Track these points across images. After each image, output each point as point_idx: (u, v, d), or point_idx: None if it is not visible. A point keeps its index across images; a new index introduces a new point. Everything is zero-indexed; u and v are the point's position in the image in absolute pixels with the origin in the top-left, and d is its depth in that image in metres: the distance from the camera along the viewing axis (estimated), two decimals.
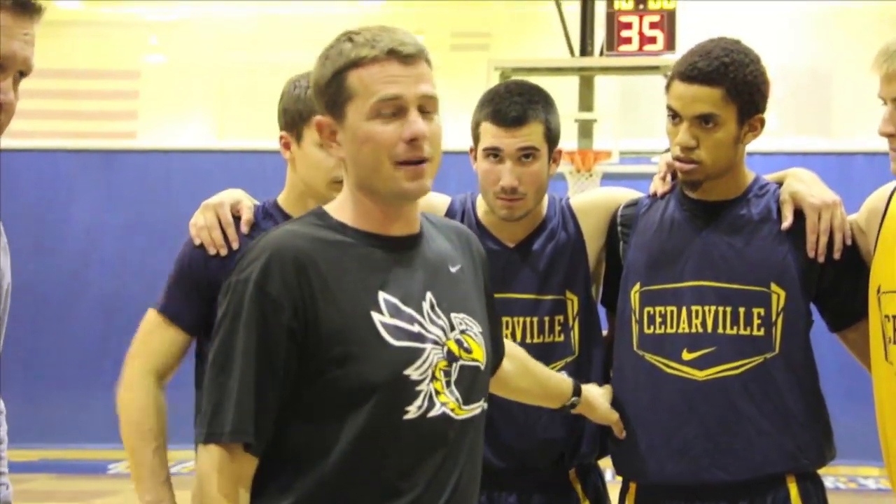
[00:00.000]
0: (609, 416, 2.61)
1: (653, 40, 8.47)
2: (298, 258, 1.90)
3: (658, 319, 2.59)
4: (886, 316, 2.43)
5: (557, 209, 2.79)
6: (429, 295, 1.97)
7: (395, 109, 1.92)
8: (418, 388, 1.90)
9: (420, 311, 1.95)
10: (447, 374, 1.94)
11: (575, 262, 2.74)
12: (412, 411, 1.90)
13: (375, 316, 1.91)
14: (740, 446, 2.52)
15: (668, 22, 8.44)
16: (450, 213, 2.76)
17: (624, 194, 2.81)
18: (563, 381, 2.59)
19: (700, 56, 2.51)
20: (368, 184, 1.96)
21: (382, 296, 1.92)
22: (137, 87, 14.40)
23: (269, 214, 2.60)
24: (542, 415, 2.66)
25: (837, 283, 2.59)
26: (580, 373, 2.70)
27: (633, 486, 2.65)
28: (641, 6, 8.45)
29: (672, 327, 2.57)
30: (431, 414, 1.91)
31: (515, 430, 2.67)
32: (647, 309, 2.61)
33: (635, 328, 2.62)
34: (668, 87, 2.56)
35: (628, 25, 8.48)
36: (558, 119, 2.74)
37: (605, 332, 2.81)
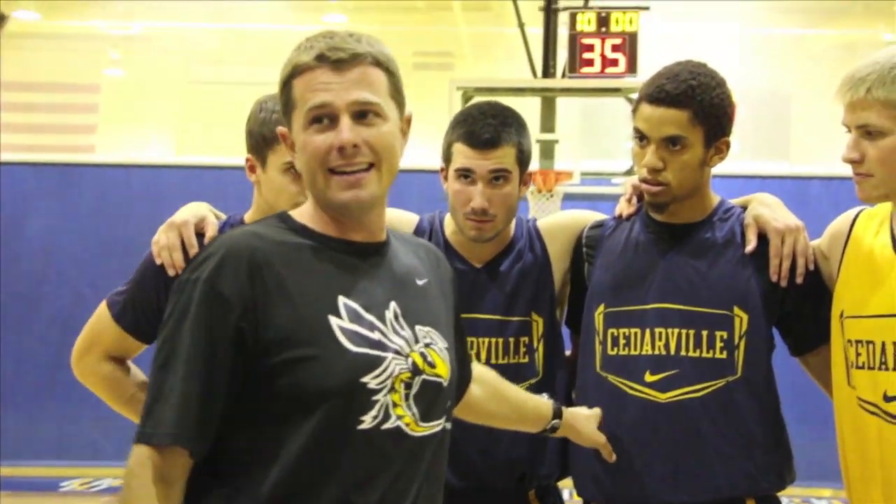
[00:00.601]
0: (596, 440, 2.56)
1: (615, 63, 8.50)
2: (254, 257, 1.84)
3: (622, 341, 2.59)
4: (849, 340, 2.45)
5: (525, 231, 2.80)
6: (393, 304, 1.93)
7: (327, 117, 1.89)
8: (375, 397, 1.84)
9: (382, 320, 1.90)
10: (407, 386, 1.88)
11: (541, 283, 2.75)
12: (367, 421, 1.83)
13: (333, 320, 1.85)
14: (701, 468, 2.52)
15: (629, 45, 8.48)
16: (418, 231, 2.76)
17: (590, 216, 2.82)
18: (542, 404, 2.54)
19: (667, 79, 2.52)
20: (317, 196, 1.93)
21: (343, 300, 1.87)
22: (97, 100, 14.31)
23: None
24: (504, 434, 2.65)
25: (800, 308, 2.60)
26: (543, 394, 2.69)
27: None
28: (604, 29, 8.49)
29: (635, 349, 2.58)
30: (386, 426, 1.85)
31: (477, 449, 2.66)
32: (610, 330, 2.61)
33: (599, 349, 2.62)
34: (635, 109, 2.57)
35: (590, 48, 8.52)
36: (530, 142, 2.75)
37: (568, 353, 2.81)
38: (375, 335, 1.88)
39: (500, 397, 2.43)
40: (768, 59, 13.24)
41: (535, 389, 2.69)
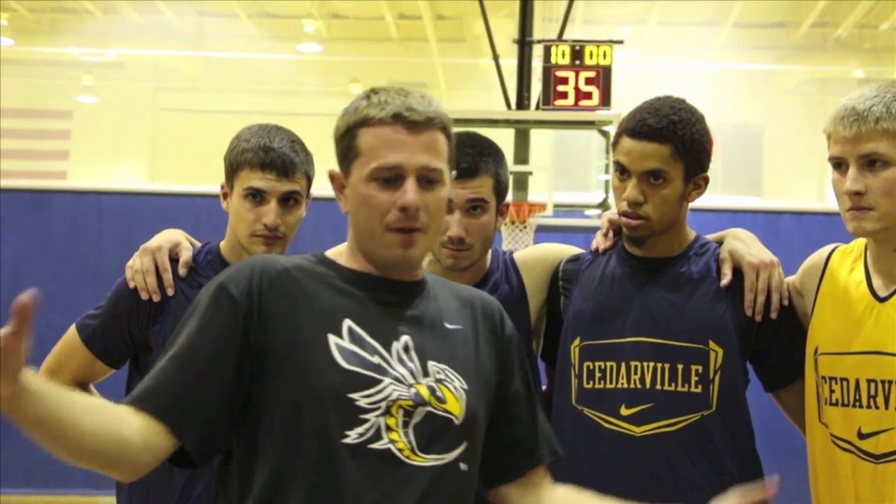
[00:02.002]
0: None
1: (588, 96, 8.55)
2: (273, 274, 1.93)
3: (597, 374, 2.60)
4: (823, 377, 2.47)
5: (500, 262, 2.80)
6: (405, 338, 1.95)
7: (393, 176, 1.92)
8: (364, 416, 1.86)
9: (388, 348, 1.92)
10: (407, 414, 1.89)
11: (517, 315, 2.74)
12: (352, 436, 1.85)
13: (332, 338, 1.89)
14: (676, 502, 2.52)
15: (603, 78, 8.54)
16: None
17: (566, 250, 2.83)
18: None
19: (649, 113, 2.54)
20: (363, 245, 1.98)
21: (348, 323, 1.92)
22: (70, 126, 14.30)
23: (209, 261, 2.61)
24: None
25: (773, 343, 2.62)
26: None
27: None
28: (578, 62, 8.54)
29: (611, 382, 2.58)
30: (374, 446, 1.86)
31: None
32: (586, 364, 2.61)
33: (574, 383, 2.62)
34: (615, 143, 2.59)
35: (564, 80, 8.57)
36: (507, 172, 2.75)
37: (543, 387, 2.81)
38: (375, 359, 1.91)
39: None
40: (740, 95, 13.37)
41: None
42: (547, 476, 2.15)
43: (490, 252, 2.80)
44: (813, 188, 14.29)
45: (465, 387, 1.97)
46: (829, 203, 11.98)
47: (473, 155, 2.66)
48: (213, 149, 2.66)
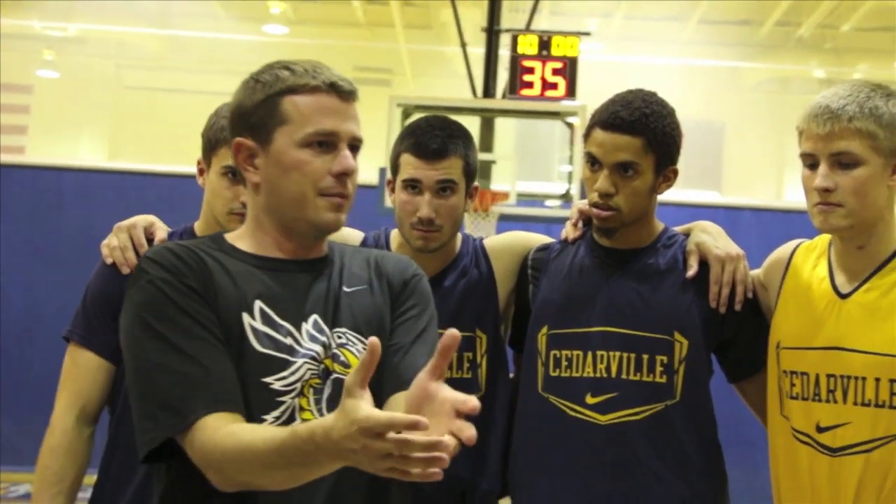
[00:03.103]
0: None
1: (554, 86, 8.57)
2: (187, 254, 1.94)
3: (564, 363, 2.62)
4: (784, 371, 2.50)
5: (470, 248, 2.82)
6: (314, 316, 1.97)
7: (328, 143, 1.95)
8: (280, 398, 1.89)
9: (298, 327, 1.95)
10: (318, 391, 1.93)
11: (485, 300, 2.77)
12: (269, 420, 1.88)
13: (246, 318, 1.91)
14: (638, 491, 2.55)
15: (569, 69, 8.55)
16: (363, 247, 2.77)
17: (536, 239, 2.85)
18: None
19: (622, 106, 2.56)
20: (285, 212, 1.97)
21: (259, 304, 1.93)
22: (29, 101, 14.15)
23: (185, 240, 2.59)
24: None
25: (737, 335, 2.65)
26: (486, 410, 2.71)
27: None
28: (545, 52, 8.56)
29: (577, 371, 2.60)
30: None
31: None
32: (553, 352, 2.64)
33: (541, 370, 2.65)
34: (587, 134, 2.61)
35: (531, 70, 8.58)
36: (476, 156, 2.78)
37: (511, 375, 2.83)
38: (287, 340, 1.93)
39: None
40: (703, 91, 13.44)
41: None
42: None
43: (460, 237, 2.82)
44: (772, 185, 14.41)
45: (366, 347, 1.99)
46: (788, 201, 12.08)
47: (443, 137, 2.69)
48: (176, 128, 2.64)
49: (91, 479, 2.59)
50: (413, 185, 2.69)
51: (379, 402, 2.01)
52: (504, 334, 2.84)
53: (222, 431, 1.77)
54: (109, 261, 2.53)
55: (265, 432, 1.73)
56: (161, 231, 2.58)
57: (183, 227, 2.65)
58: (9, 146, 13.16)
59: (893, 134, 2.39)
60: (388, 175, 2.80)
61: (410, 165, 2.70)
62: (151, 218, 2.62)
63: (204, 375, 1.83)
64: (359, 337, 2.00)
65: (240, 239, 2.03)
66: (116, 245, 2.53)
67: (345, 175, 1.95)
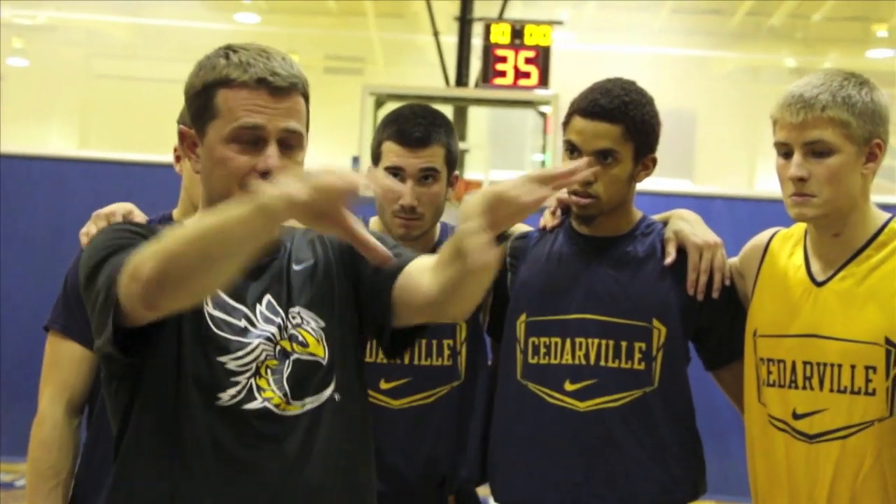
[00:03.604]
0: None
1: (527, 75, 8.59)
2: (151, 231, 1.93)
3: (542, 350, 2.63)
4: (761, 359, 2.52)
5: (448, 236, 2.82)
6: (267, 297, 1.98)
7: (254, 139, 1.92)
8: (235, 378, 1.91)
9: (253, 309, 1.96)
10: (276, 371, 1.94)
11: None
12: (224, 399, 1.89)
13: (202, 303, 1.91)
14: (617, 477, 2.57)
15: (542, 58, 8.58)
16: None
17: (515, 227, 2.85)
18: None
19: (601, 94, 2.58)
20: (217, 205, 1.94)
21: None
22: None
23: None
24: (427, 436, 2.69)
25: (714, 323, 2.66)
26: (465, 398, 2.73)
27: None
28: (517, 41, 8.57)
29: (556, 358, 2.62)
30: (249, 406, 1.90)
31: (400, 451, 2.68)
32: (531, 339, 2.65)
33: (520, 358, 2.66)
34: (566, 122, 2.62)
35: (504, 59, 8.59)
36: (458, 144, 2.79)
37: (489, 363, 2.84)
38: (241, 322, 1.94)
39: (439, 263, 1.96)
40: (675, 79, 13.47)
41: (458, 393, 2.72)
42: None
43: (439, 225, 2.82)
44: (743, 174, 14.48)
45: (323, 324, 2.00)
46: (760, 190, 12.14)
47: (426, 125, 2.69)
48: (147, 117, 2.61)
49: None
50: (395, 173, 2.69)
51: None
52: (482, 322, 2.85)
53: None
54: None
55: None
56: (139, 218, 2.57)
57: (161, 214, 2.64)
58: None
59: (866, 122, 2.41)
60: (369, 159, 2.80)
61: (393, 153, 2.70)
62: (130, 206, 2.61)
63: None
64: (313, 315, 2.01)
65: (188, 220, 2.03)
66: (95, 233, 2.52)
67: (269, 174, 1.89)
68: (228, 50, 1.95)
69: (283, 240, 2.06)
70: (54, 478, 2.45)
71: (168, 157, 2.65)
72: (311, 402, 1.95)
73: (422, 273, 1.97)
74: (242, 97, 1.91)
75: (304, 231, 2.12)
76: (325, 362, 1.98)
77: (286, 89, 1.93)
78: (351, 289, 2.07)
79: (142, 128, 11.93)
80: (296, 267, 2.04)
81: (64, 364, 2.51)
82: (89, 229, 2.54)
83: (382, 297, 2.01)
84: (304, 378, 1.95)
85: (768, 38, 14.67)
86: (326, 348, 1.99)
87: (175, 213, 2.62)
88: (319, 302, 2.02)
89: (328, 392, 1.97)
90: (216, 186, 1.94)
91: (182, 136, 1.99)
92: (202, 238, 1.65)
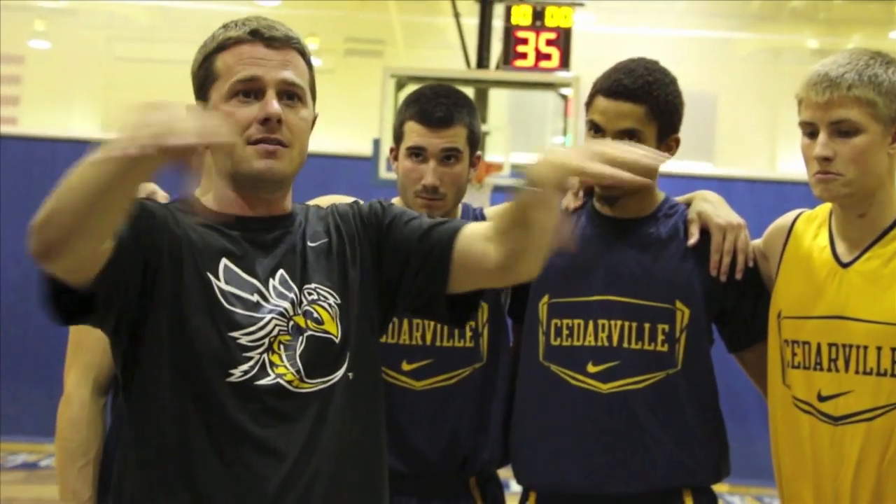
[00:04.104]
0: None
1: (548, 57, 8.56)
2: (162, 209, 1.94)
3: (565, 332, 2.62)
4: (786, 340, 2.51)
5: (471, 217, 2.82)
6: (281, 271, 1.97)
7: (253, 91, 1.93)
8: (247, 353, 1.89)
9: (265, 284, 1.94)
10: (289, 347, 1.92)
11: None
12: (236, 374, 1.88)
13: (212, 278, 1.91)
14: (640, 459, 2.56)
15: (563, 40, 8.54)
16: None
17: None
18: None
19: (624, 73, 2.56)
20: (226, 167, 1.95)
21: (224, 262, 1.93)
22: (21, 72, 14.07)
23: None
24: (449, 418, 2.68)
25: (738, 304, 2.65)
26: (487, 380, 2.72)
27: (532, 496, 2.68)
28: (538, 23, 8.54)
29: (578, 340, 2.61)
30: (261, 382, 1.89)
31: (422, 433, 2.68)
32: (554, 321, 2.64)
33: (542, 339, 2.65)
34: (588, 103, 2.61)
35: (525, 41, 8.56)
36: (480, 124, 2.78)
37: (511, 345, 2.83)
38: (254, 297, 1.93)
39: (499, 231, 1.96)
40: (695, 62, 13.39)
41: (480, 375, 2.72)
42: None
43: (460, 206, 2.82)
44: (765, 156, 14.41)
45: (339, 301, 1.99)
46: (781, 172, 12.09)
47: (448, 105, 2.69)
48: (168, 99, 2.60)
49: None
50: (417, 153, 2.69)
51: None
52: (504, 303, 2.84)
53: None
54: None
55: None
56: (161, 198, 2.57)
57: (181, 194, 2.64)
58: (2, 117, 13.11)
59: (893, 101, 2.39)
60: (390, 141, 2.80)
61: (415, 133, 2.70)
62: (152, 186, 2.61)
63: None
64: (329, 291, 2.00)
65: (204, 197, 2.04)
66: None
67: (268, 120, 1.91)
68: (229, 22, 1.99)
69: (296, 215, 2.06)
70: (83, 456, 2.47)
71: None
72: (324, 380, 1.94)
73: (478, 238, 1.98)
74: (238, 52, 1.94)
75: (318, 209, 2.12)
76: (338, 340, 1.97)
77: (281, 40, 1.95)
78: (374, 266, 2.06)
79: None
80: (311, 244, 2.03)
81: (88, 345, 2.52)
82: None
83: (441, 262, 1.99)
84: (318, 355, 1.95)
85: (790, 20, 14.57)
86: (340, 326, 1.98)
87: (198, 192, 2.62)
88: (335, 279, 2.01)
89: (341, 370, 1.97)
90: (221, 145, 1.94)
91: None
92: (80, 172, 1.66)
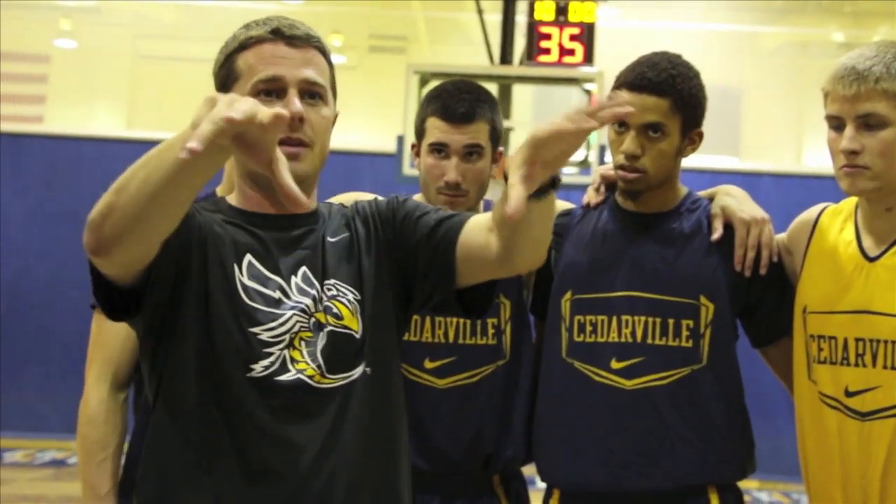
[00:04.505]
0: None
1: (572, 52, 8.54)
2: (195, 216, 1.93)
3: (588, 328, 2.61)
4: (811, 336, 2.49)
5: None
6: (303, 269, 1.97)
7: (275, 90, 1.93)
8: (268, 349, 1.89)
9: (287, 281, 1.94)
10: (310, 343, 1.92)
11: None
12: (257, 370, 1.88)
13: (236, 272, 1.92)
14: (664, 456, 2.55)
15: (587, 35, 8.52)
16: None
17: (558, 204, 2.83)
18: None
19: (648, 67, 2.55)
20: (248, 167, 1.95)
21: (249, 258, 1.94)
22: (47, 70, 14.14)
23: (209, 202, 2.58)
24: (472, 416, 2.67)
25: (762, 299, 2.63)
26: (510, 377, 2.71)
27: (556, 493, 2.67)
28: (562, 18, 8.52)
29: (602, 336, 2.60)
30: (282, 378, 1.89)
31: (445, 431, 2.67)
32: (577, 317, 2.63)
33: (565, 336, 2.64)
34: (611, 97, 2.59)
35: (548, 36, 8.54)
36: (502, 120, 2.77)
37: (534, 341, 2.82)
38: (276, 294, 1.93)
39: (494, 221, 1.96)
40: (721, 55, 13.33)
41: (503, 372, 2.71)
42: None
43: (482, 203, 2.81)
44: (791, 150, 14.34)
45: (359, 297, 1.99)
46: (807, 166, 12.02)
47: (470, 101, 2.68)
48: (192, 97, 2.60)
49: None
50: (440, 149, 2.68)
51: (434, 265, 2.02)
52: (526, 300, 2.83)
53: None
54: None
55: None
56: None
57: (206, 191, 2.64)
58: (28, 115, 13.18)
59: None
60: (413, 139, 2.79)
61: (437, 129, 2.68)
62: None
63: None
64: (349, 287, 1.99)
65: (232, 197, 2.05)
66: None
67: (294, 119, 1.90)
68: (252, 21, 1.98)
69: (320, 213, 2.06)
70: (102, 451, 2.48)
71: None
72: (344, 375, 1.94)
73: (481, 229, 1.97)
74: (260, 51, 1.94)
75: (340, 206, 2.12)
76: (358, 336, 1.97)
77: (302, 39, 1.95)
78: (392, 265, 2.06)
79: (187, 108, 11.93)
80: (331, 239, 2.03)
81: (108, 341, 2.52)
82: None
83: (446, 257, 2.00)
84: (339, 351, 1.95)
85: (816, 13, 14.49)
86: (360, 322, 1.98)
87: (219, 189, 2.63)
88: (354, 275, 2.01)
89: (361, 366, 1.97)
90: None
91: None
92: (143, 169, 1.63)
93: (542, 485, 2.74)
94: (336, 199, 2.25)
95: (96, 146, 10.28)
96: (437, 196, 2.68)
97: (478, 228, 1.98)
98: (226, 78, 1.97)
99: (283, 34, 1.94)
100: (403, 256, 2.06)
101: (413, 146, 2.78)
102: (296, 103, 1.91)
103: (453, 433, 2.68)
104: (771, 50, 15.04)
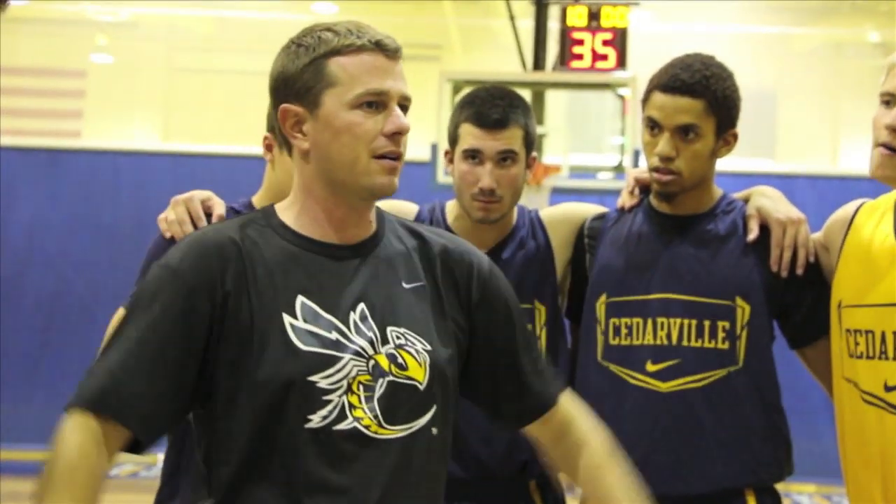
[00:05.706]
0: None
1: (604, 57, 8.55)
2: (224, 249, 1.86)
3: (623, 331, 2.61)
4: (847, 330, 2.46)
5: (527, 219, 2.81)
6: (361, 306, 1.89)
7: (378, 103, 1.89)
8: (327, 397, 1.82)
9: (345, 321, 1.87)
10: (369, 388, 1.85)
11: (544, 271, 2.76)
12: (315, 420, 1.81)
13: (287, 318, 1.84)
14: (701, 459, 2.54)
15: (619, 40, 8.53)
16: (417, 221, 2.76)
17: (592, 208, 2.84)
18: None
19: (681, 68, 2.55)
20: (337, 177, 1.90)
21: (301, 300, 1.86)
22: (84, 86, 14.27)
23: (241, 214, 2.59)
24: None
25: (799, 300, 2.62)
26: None
27: None
28: (594, 23, 8.53)
29: (637, 339, 2.59)
30: (339, 427, 1.82)
31: (481, 437, 2.67)
32: (612, 320, 2.63)
33: (600, 339, 2.64)
34: (645, 99, 2.59)
35: (581, 42, 8.56)
36: (535, 126, 2.77)
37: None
38: (333, 335, 1.85)
39: (593, 475, 2.10)
40: (755, 57, 13.27)
41: None
42: (570, 414, 2.09)
43: (516, 208, 2.81)
44: (826, 152, 14.25)
45: (429, 348, 1.92)
46: (843, 167, 11.94)
47: (504, 107, 2.68)
48: (227, 109, 2.62)
49: (153, 457, 2.62)
50: (473, 156, 2.68)
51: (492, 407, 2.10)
52: (561, 306, 2.83)
53: (79, 443, 1.77)
54: (168, 234, 2.53)
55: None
56: (219, 206, 2.58)
57: (241, 201, 2.65)
58: (65, 130, 13.31)
59: None
60: (447, 146, 2.79)
61: (471, 135, 2.69)
62: (208, 193, 2.62)
63: (122, 375, 1.79)
64: (418, 338, 1.92)
65: (288, 211, 1.95)
66: (174, 219, 2.53)
67: (398, 134, 1.89)
68: (327, 26, 1.91)
69: (381, 236, 1.98)
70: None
71: (250, 149, 2.67)
72: (403, 430, 1.87)
73: (550, 431, 2.09)
74: (362, 61, 1.88)
75: (410, 230, 2.05)
76: (423, 387, 1.89)
77: (398, 52, 1.92)
78: (464, 337, 2.01)
79: (223, 120, 12.05)
80: (406, 285, 1.96)
81: None
82: (168, 215, 2.56)
83: (524, 402, 2.07)
84: (399, 401, 1.87)
85: (851, 13, 14.38)
86: (428, 373, 1.90)
87: (255, 199, 2.63)
88: (426, 326, 1.94)
89: (424, 420, 1.89)
90: (340, 155, 1.88)
91: (285, 114, 1.91)
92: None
93: (578, 490, 2.73)
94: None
95: (133, 160, 10.37)
96: (472, 202, 2.68)
97: (550, 427, 2.09)
98: (313, 81, 1.89)
99: (384, 46, 1.89)
100: (479, 351, 2.04)
101: (446, 153, 2.78)
102: (404, 119, 1.90)
103: (489, 440, 2.68)
104: (806, 51, 14.96)
